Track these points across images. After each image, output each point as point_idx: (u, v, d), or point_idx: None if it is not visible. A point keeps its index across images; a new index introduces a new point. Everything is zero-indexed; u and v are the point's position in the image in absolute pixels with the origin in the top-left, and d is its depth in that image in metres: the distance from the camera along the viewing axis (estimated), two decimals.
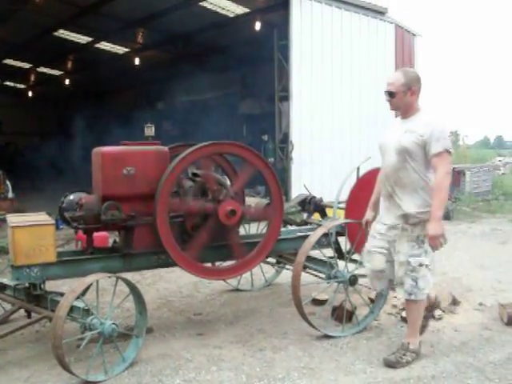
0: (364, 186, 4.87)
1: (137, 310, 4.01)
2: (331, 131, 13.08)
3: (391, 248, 4.01)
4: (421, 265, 3.88)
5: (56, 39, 17.35)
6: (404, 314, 4.87)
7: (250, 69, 17.09)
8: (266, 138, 14.71)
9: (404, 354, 4.00)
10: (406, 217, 3.90)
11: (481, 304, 5.37)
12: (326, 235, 4.65)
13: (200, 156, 4.22)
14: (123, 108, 22.14)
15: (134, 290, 3.91)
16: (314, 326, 4.40)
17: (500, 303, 5.09)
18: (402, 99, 3.98)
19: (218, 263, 4.99)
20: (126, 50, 19.47)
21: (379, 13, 14.21)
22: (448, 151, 3.81)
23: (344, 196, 4.99)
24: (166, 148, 4.33)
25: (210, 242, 4.30)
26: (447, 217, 11.23)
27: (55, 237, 3.98)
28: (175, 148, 4.70)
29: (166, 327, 4.79)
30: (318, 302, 5.14)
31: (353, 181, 5.08)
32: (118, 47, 19.29)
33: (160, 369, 3.90)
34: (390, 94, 4.02)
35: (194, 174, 4.59)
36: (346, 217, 4.77)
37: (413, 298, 3.92)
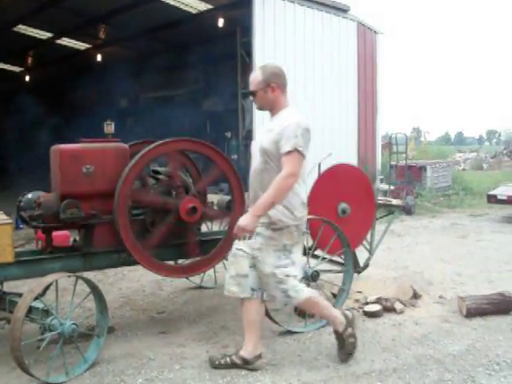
0: (325, 182, 4.92)
1: (98, 310, 3.96)
2: None
3: (256, 256, 3.71)
4: (288, 276, 3.67)
5: (15, 35, 17.00)
6: (367, 308, 4.95)
7: (214, 65, 17.02)
8: (229, 135, 14.68)
9: None
10: (270, 223, 3.63)
11: (441, 297, 5.47)
12: None
13: (160, 153, 4.19)
14: (85, 105, 21.82)
15: (94, 289, 3.86)
16: (276, 322, 4.41)
17: (459, 296, 5.19)
18: (263, 97, 3.79)
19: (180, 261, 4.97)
20: (88, 46, 19.20)
21: (342, 10, 14.29)
22: (298, 150, 3.55)
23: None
24: (125, 145, 4.28)
25: (171, 239, 4.28)
26: (409, 212, 11.44)
27: (13, 236, 3.90)
28: (136, 145, 4.65)
29: (129, 326, 4.74)
30: None
31: (314, 177, 5.10)
32: (80, 43, 19.01)
33: (122, 369, 3.86)
34: (252, 94, 3.83)
35: (155, 172, 4.55)
36: (308, 213, 4.78)
37: (290, 304, 3.76)
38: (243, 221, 3.50)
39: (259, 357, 3.85)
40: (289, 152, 3.54)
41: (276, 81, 3.77)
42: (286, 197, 3.56)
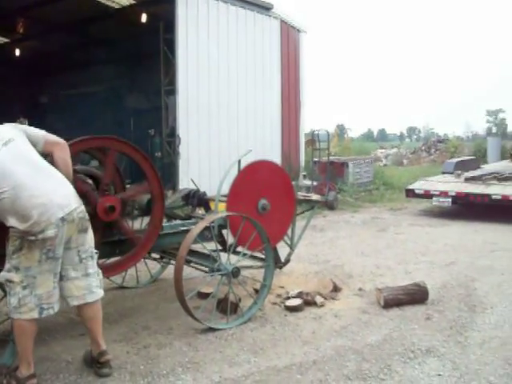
0: (245, 179, 4.94)
1: None
2: (218, 126, 13.14)
3: None
4: (10, 281, 3.38)
5: None
6: (288, 303, 5.02)
7: (137, 62, 16.78)
8: (152, 132, 14.52)
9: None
10: None
11: (360, 289, 5.63)
12: (209, 228, 4.66)
13: (76, 151, 4.08)
14: (2, 101, 21.00)
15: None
16: (198, 320, 4.40)
17: (377, 288, 5.35)
18: None
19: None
20: (6, 40, 18.50)
21: (265, 8, 14.42)
22: None
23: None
24: None
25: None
26: (331, 207, 11.67)
27: None
28: None
29: (47, 329, 4.59)
30: (203, 296, 5.14)
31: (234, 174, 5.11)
32: None
33: (39, 373, 3.72)
34: None
35: (73, 171, 4.43)
36: (228, 210, 4.81)
37: (12, 316, 3.45)
38: None
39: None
40: None
41: None
42: None
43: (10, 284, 3.39)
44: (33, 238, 3.29)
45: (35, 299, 3.40)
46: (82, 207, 3.53)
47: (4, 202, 3.28)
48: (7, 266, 3.40)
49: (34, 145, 3.58)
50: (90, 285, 3.63)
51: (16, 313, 3.41)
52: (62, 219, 3.35)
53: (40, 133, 3.66)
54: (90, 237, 3.64)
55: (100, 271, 3.77)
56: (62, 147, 3.64)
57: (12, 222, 3.30)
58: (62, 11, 14.90)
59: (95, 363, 3.76)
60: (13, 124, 3.68)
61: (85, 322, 3.77)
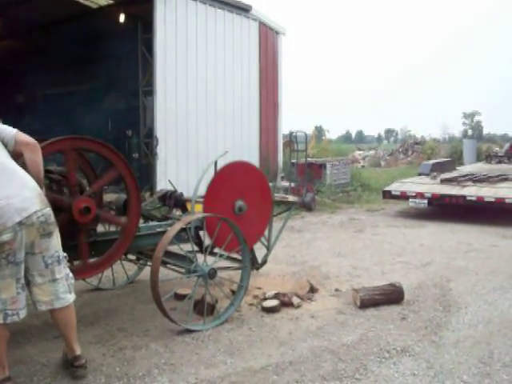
0: (222, 180, 4.94)
1: None
2: (196, 127, 13.12)
3: None
4: None
5: None
6: (265, 304, 5.02)
7: (115, 62, 16.64)
8: (130, 133, 14.44)
9: None
10: None
11: (337, 290, 5.66)
12: (185, 230, 4.65)
13: (50, 152, 4.04)
14: None
15: None
16: (174, 321, 4.38)
17: (353, 288, 5.39)
18: None
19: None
20: None
21: (244, 10, 14.44)
22: None
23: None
24: None
25: (65, 241, 4.13)
26: (309, 208, 11.71)
27: None
28: None
29: (21, 332, 4.53)
30: (180, 297, 5.13)
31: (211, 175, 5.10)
32: None
33: (14, 376, 3.68)
34: None
35: (47, 171, 4.39)
36: (205, 211, 4.80)
37: None
38: None
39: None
40: None
41: None
42: None
43: None
44: None
45: None
46: (46, 211, 3.39)
47: None
48: None
49: (5, 144, 3.53)
50: (56, 290, 3.54)
51: None
52: (20, 223, 3.26)
53: (11, 132, 3.58)
54: (55, 241, 3.51)
55: (71, 275, 3.67)
56: (32, 147, 3.55)
57: None
58: (39, 10, 14.76)
59: (70, 366, 3.74)
60: None
61: (57, 326, 3.74)
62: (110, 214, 4.59)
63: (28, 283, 3.49)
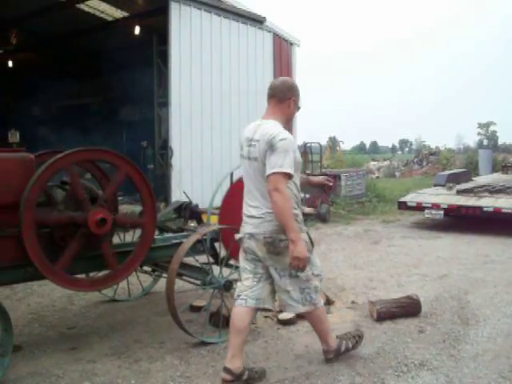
0: (237, 192, 4.92)
1: (1, 328, 3.78)
2: (211, 137, 13.13)
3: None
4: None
5: None
6: (281, 316, 4.99)
7: (130, 74, 16.79)
8: (145, 144, 14.51)
9: None
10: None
11: (353, 302, 5.61)
12: (201, 241, 4.64)
13: (68, 163, 4.05)
14: None
15: None
16: (190, 334, 4.36)
17: (370, 301, 5.34)
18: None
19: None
20: None
21: (257, 21, 14.49)
22: None
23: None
24: (31, 155, 4.11)
25: (81, 252, 4.15)
26: (324, 219, 11.67)
27: None
28: (43, 155, 4.49)
29: (37, 343, 4.56)
30: (195, 309, 5.12)
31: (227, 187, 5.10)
32: None
33: None
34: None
35: (64, 183, 4.41)
36: (220, 223, 4.79)
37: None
38: (297, 252, 3.50)
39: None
40: None
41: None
42: None
43: None
44: None
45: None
46: (274, 236, 3.68)
47: None
48: None
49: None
50: (285, 299, 3.84)
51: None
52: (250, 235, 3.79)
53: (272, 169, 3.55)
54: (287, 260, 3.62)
55: (311, 289, 3.85)
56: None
57: None
58: (55, 23, 14.92)
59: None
60: None
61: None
62: (126, 217, 4.57)
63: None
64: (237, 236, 3.90)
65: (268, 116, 3.87)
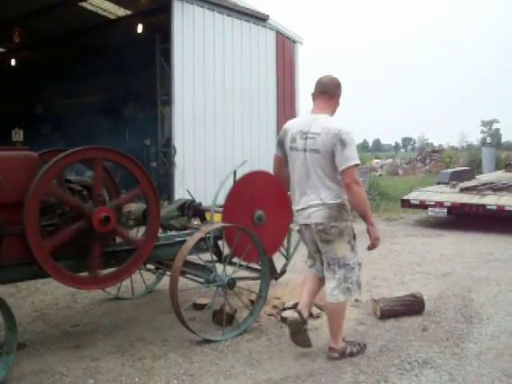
0: (241, 190, 4.93)
1: (6, 326, 3.79)
2: (214, 136, 13.15)
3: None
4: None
5: None
6: (284, 314, 4.99)
7: (133, 72, 16.81)
8: (148, 142, 14.52)
9: None
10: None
11: (356, 300, 5.59)
12: (204, 239, 4.64)
13: (71, 162, 4.07)
14: None
15: (1, 303, 3.69)
16: (193, 331, 4.37)
17: (373, 298, 5.33)
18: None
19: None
20: (1, 50, 18.52)
21: (261, 19, 14.48)
22: None
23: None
24: (35, 153, 4.12)
25: (85, 250, 4.15)
26: None
27: None
28: (46, 154, 4.50)
29: (41, 341, 4.57)
30: (199, 307, 5.13)
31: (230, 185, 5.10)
32: None
33: None
34: None
35: (68, 181, 4.42)
36: (224, 221, 4.79)
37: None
38: (377, 233, 4.12)
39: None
40: None
41: None
42: None
43: None
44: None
45: None
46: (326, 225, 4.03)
47: None
48: None
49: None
50: (331, 287, 4.12)
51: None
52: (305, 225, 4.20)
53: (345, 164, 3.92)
54: (338, 249, 4.10)
55: (353, 280, 4.13)
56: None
57: None
58: (57, 22, 14.93)
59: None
60: None
61: (327, 316, 4.42)
62: (125, 231, 4.55)
63: None
64: (294, 227, 4.36)
65: (319, 110, 4.08)
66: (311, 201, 4.00)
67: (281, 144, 4.26)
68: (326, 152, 3.88)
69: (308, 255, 4.42)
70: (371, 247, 4.12)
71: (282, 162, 4.36)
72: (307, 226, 4.06)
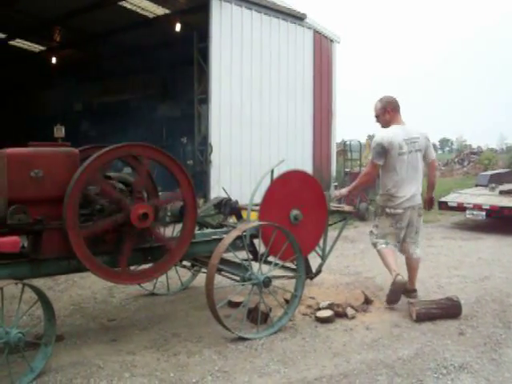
0: (278, 189, 4.93)
1: (45, 318, 3.87)
2: (250, 134, 13.17)
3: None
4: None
5: None
6: (319, 314, 4.98)
7: (171, 70, 16.96)
8: (185, 140, 14.64)
9: None
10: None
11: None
12: (240, 238, 4.65)
13: (111, 158, 4.13)
14: (39, 108, 21.41)
15: (41, 296, 3.77)
16: (228, 329, 4.39)
17: (409, 301, 5.28)
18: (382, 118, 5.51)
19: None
20: (42, 48, 18.87)
21: (298, 18, 14.45)
22: (371, 159, 5.50)
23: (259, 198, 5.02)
24: (75, 150, 4.20)
25: (123, 246, 4.21)
26: (362, 218, 11.57)
27: None
28: (86, 150, 4.57)
29: (78, 334, 4.65)
30: (234, 305, 5.15)
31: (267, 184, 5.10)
32: (35, 45, 18.67)
33: (70, 378, 3.78)
34: (376, 117, 5.56)
35: (106, 177, 4.48)
36: (260, 219, 4.80)
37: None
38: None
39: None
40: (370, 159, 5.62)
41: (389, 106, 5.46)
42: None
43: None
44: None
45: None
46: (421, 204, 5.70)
47: None
48: None
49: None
50: (414, 248, 5.64)
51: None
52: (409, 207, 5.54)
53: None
54: (421, 220, 5.72)
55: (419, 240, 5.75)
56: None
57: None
58: (97, 21, 15.17)
59: (405, 292, 5.49)
60: None
61: (408, 268, 5.76)
62: (160, 233, 4.60)
63: (403, 241, 5.58)
64: (394, 211, 5.42)
65: (402, 122, 5.48)
66: (416, 189, 5.46)
67: (385, 154, 5.31)
68: (423, 150, 5.46)
69: (379, 236, 5.55)
70: (430, 207, 5.95)
71: (378, 168, 5.47)
72: (413, 207, 5.43)
